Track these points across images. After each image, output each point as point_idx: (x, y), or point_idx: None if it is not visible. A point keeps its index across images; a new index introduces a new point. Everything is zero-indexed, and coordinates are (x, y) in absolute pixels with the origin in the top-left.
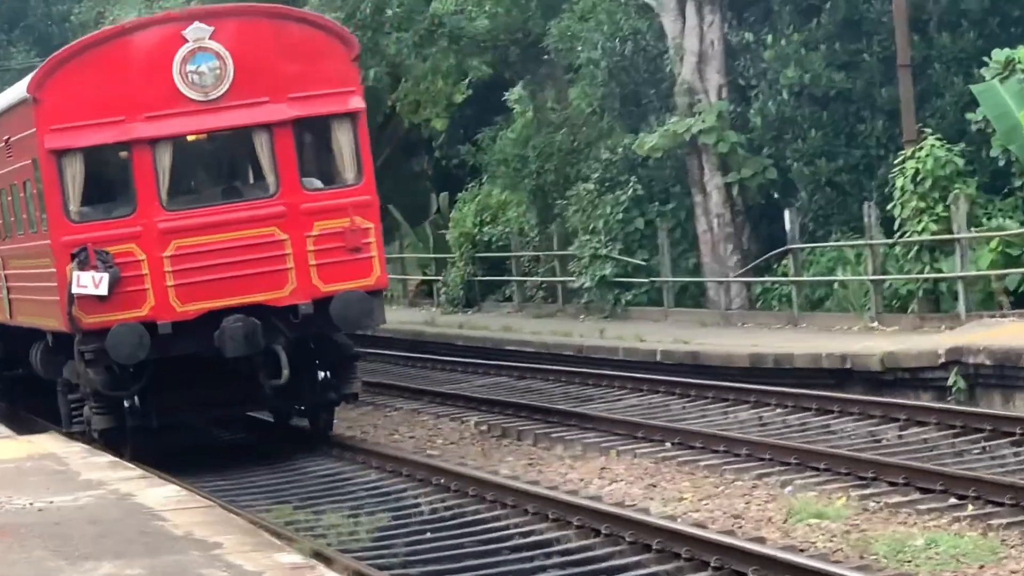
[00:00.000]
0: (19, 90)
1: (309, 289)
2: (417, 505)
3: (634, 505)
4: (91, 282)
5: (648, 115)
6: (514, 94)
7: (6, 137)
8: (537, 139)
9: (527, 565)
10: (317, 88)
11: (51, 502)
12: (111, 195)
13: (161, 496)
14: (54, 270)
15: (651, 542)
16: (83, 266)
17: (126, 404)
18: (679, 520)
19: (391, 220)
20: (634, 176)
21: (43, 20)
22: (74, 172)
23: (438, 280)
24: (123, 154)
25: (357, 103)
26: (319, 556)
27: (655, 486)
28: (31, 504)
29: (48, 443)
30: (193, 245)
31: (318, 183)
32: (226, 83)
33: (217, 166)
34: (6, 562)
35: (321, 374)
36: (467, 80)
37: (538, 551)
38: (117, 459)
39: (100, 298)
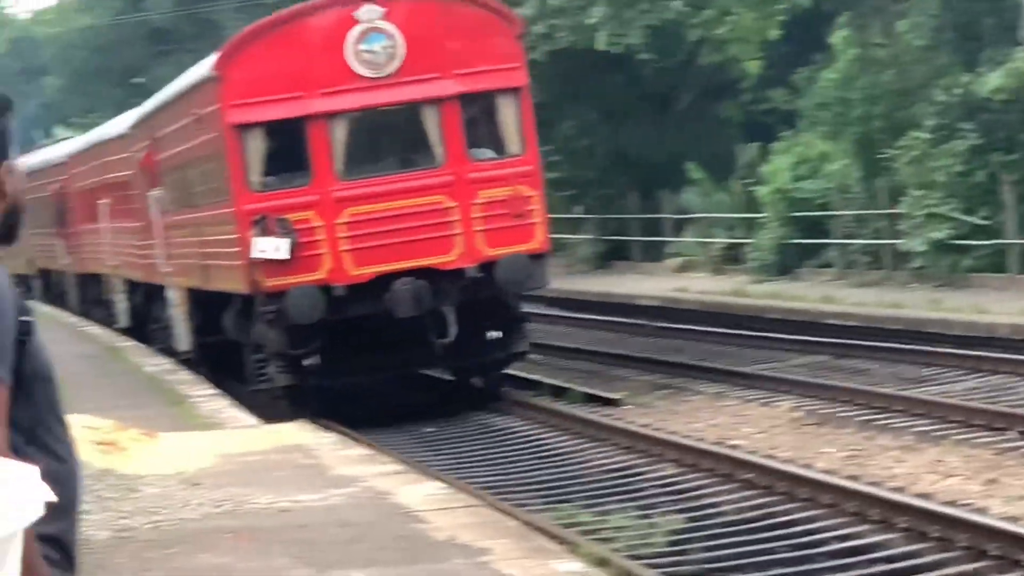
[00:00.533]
0: (204, 68)
1: (475, 253)
2: (718, 504)
3: (970, 504)
4: (271, 247)
5: (988, 50)
6: (840, 31)
7: (193, 112)
8: (862, 80)
9: (845, 574)
10: (482, 64)
11: (297, 501)
12: (289, 166)
13: (421, 494)
14: (238, 236)
15: (988, 547)
16: (263, 232)
17: (306, 363)
18: (1022, 522)
19: (684, 178)
20: (973, 122)
21: None
22: (255, 145)
23: (747, 244)
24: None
25: (520, 79)
26: (604, 563)
27: (995, 481)
28: (274, 503)
29: (296, 432)
30: (366, 212)
31: (485, 154)
32: (397, 61)
33: (388, 139)
34: (243, 570)
35: (491, 334)
36: (781, 12)
37: (858, 557)
38: (372, 451)
39: (281, 262)
